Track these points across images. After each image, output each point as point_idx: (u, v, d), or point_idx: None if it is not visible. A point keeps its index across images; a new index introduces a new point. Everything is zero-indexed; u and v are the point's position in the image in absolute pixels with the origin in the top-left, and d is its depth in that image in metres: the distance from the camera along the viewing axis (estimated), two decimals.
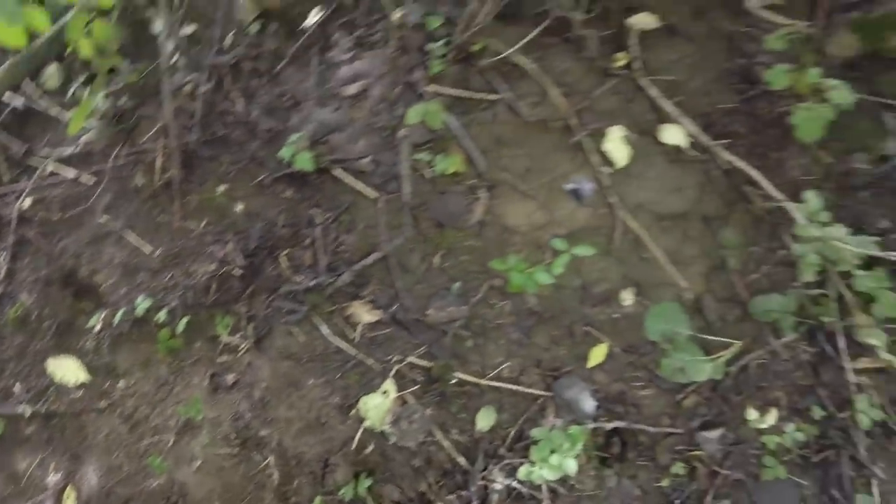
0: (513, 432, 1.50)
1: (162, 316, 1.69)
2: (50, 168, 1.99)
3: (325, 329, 1.62)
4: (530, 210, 1.63)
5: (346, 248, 1.68)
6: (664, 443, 1.47)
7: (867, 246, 1.32)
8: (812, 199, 1.39)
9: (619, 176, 1.60)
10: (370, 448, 1.54)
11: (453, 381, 1.54)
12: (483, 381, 1.53)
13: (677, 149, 1.60)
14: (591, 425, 1.45)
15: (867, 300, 1.37)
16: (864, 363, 1.44)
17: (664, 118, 1.62)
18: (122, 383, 1.77)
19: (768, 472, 1.41)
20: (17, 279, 1.93)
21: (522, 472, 1.38)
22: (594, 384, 1.51)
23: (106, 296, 1.83)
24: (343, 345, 1.60)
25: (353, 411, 1.54)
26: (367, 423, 1.48)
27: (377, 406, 1.47)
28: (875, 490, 1.41)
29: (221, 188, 1.81)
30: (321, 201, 1.73)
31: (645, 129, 1.63)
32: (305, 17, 1.91)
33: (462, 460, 1.50)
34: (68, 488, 1.75)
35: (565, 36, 1.71)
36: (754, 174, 1.52)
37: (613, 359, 1.53)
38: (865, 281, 1.34)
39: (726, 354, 1.45)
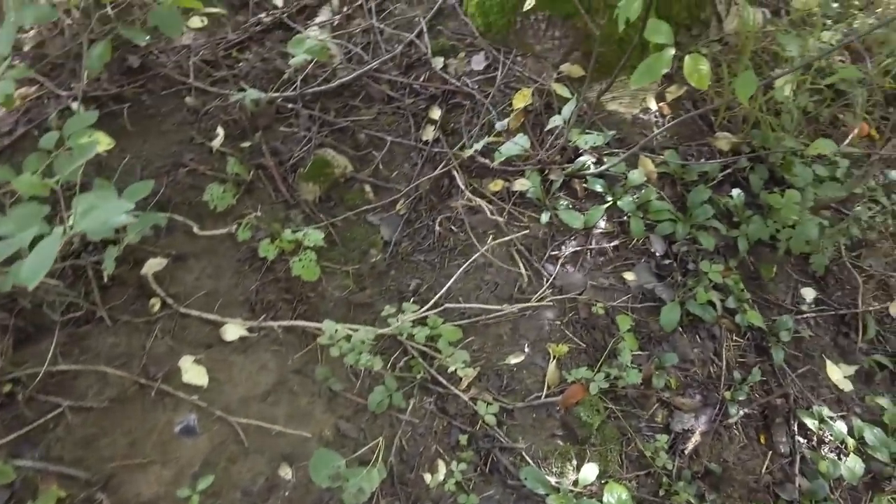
0: None
1: None
2: None
3: None
4: (158, 475, 1.63)
5: None
6: None
7: None
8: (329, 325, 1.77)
9: (211, 392, 1.75)
10: None
11: None
12: None
13: (243, 339, 1.85)
14: None
15: None
16: None
17: (218, 324, 1.86)
18: None
19: None
20: None
21: None
22: None
23: None
24: None
25: None
26: None
27: None
28: None
29: None
30: None
31: (208, 342, 1.83)
32: None
33: None
34: None
35: (93, 320, 1.83)
36: (300, 323, 1.86)
37: None
38: None
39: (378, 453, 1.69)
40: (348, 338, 1.63)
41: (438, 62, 2.37)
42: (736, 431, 1.84)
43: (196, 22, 2.48)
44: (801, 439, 1.86)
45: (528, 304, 1.93)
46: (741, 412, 1.83)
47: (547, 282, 1.98)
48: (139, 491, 1.60)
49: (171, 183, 2.04)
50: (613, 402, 1.80)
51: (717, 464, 1.76)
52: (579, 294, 1.97)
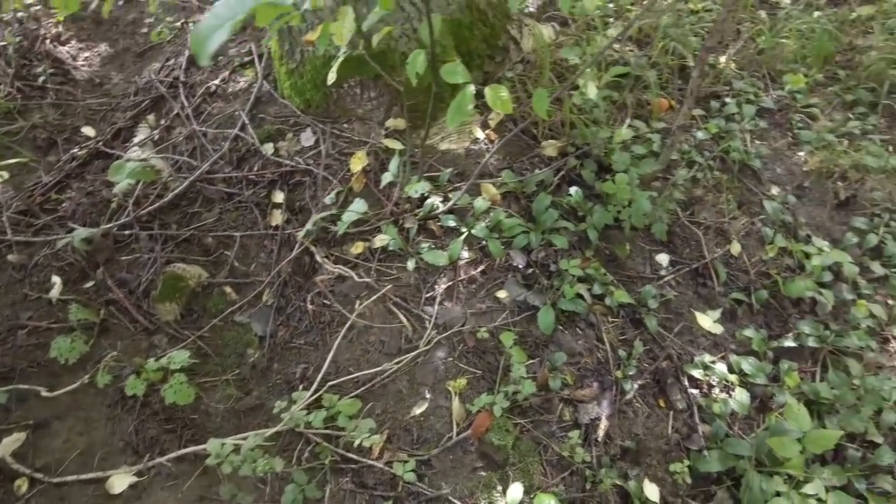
0: None
1: None
2: None
3: None
4: None
5: None
6: None
7: None
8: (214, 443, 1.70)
9: None
10: None
11: None
12: None
13: (133, 486, 1.71)
14: None
15: None
16: None
17: (101, 480, 1.72)
18: None
19: None
20: None
21: None
22: None
23: None
24: None
25: None
26: None
27: None
28: None
29: None
30: None
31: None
32: None
33: None
34: None
35: None
36: (189, 450, 1.76)
37: None
38: None
39: None
40: (237, 450, 1.56)
41: (268, 148, 2.41)
42: (637, 404, 1.94)
43: None
44: (694, 391, 2.00)
45: (418, 351, 1.96)
46: (635, 385, 1.95)
47: (430, 324, 2.02)
48: None
49: (11, 349, 1.89)
50: (521, 417, 1.85)
51: (630, 440, 1.85)
52: (462, 326, 2.03)
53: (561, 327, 2.06)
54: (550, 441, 1.82)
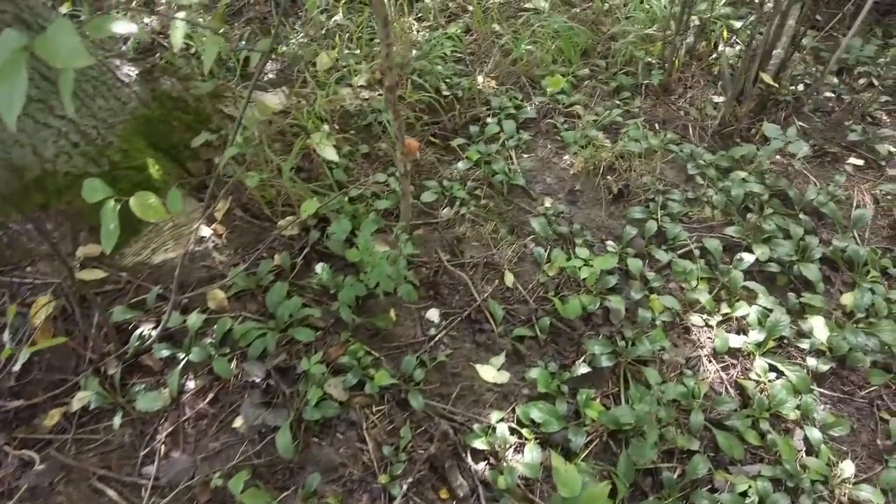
0: None
1: None
2: None
3: None
4: None
5: None
6: None
7: None
8: None
9: None
10: None
11: None
12: None
13: None
14: None
15: None
16: None
17: None
18: None
19: None
20: None
21: None
22: None
23: None
24: None
25: None
26: None
27: None
28: None
29: None
30: None
31: None
32: None
33: None
34: None
35: None
36: None
37: None
38: None
39: None
40: None
41: None
42: None
43: None
44: (480, 465, 1.70)
45: None
46: (404, 487, 1.62)
47: (147, 491, 1.61)
48: None
49: None
50: None
51: None
52: (191, 479, 1.64)
53: (316, 438, 1.72)
54: None
